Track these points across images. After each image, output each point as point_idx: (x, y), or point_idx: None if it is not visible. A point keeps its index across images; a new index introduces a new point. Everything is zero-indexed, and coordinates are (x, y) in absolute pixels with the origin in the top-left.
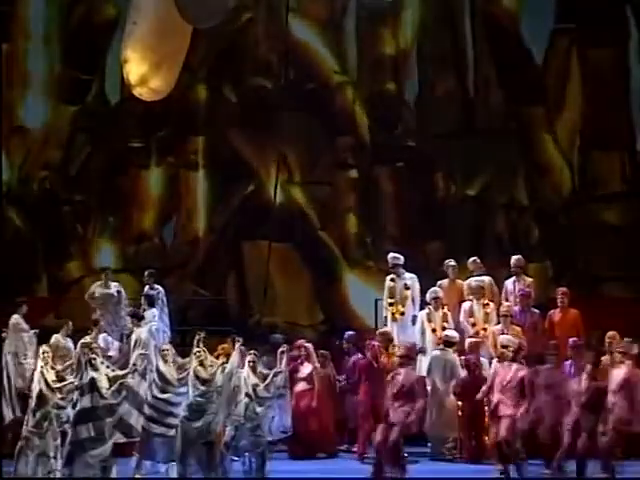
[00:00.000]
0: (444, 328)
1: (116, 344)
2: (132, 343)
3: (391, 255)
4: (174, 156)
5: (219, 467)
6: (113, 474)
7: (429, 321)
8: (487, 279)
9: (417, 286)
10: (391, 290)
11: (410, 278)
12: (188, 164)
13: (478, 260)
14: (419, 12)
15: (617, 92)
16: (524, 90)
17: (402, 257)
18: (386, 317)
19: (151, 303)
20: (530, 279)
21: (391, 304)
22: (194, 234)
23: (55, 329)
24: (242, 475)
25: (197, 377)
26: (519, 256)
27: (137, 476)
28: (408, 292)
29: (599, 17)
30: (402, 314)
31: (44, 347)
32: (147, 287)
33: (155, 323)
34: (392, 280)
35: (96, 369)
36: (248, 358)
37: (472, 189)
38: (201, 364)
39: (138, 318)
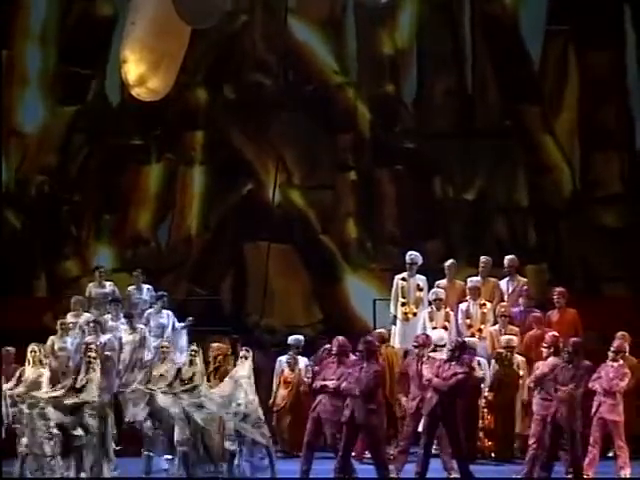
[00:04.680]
0: (445, 327)
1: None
2: (131, 343)
3: (411, 253)
4: (172, 153)
5: (219, 465)
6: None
7: (431, 320)
8: (493, 280)
9: (426, 288)
10: (403, 290)
11: (421, 279)
12: (187, 162)
13: (484, 259)
14: (418, 11)
15: (616, 92)
16: (523, 90)
17: (420, 257)
18: (395, 316)
19: (164, 305)
20: (524, 279)
21: (403, 304)
22: (190, 232)
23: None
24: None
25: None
26: (512, 256)
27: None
28: (421, 293)
29: (597, 17)
30: (414, 315)
31: (32, 346)
32: (132, 287)
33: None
34: (403, 279)
35: (93, 369)
36: (241, 353)
37: (471, 190)
38: (191, 363)
39: (132, 319)
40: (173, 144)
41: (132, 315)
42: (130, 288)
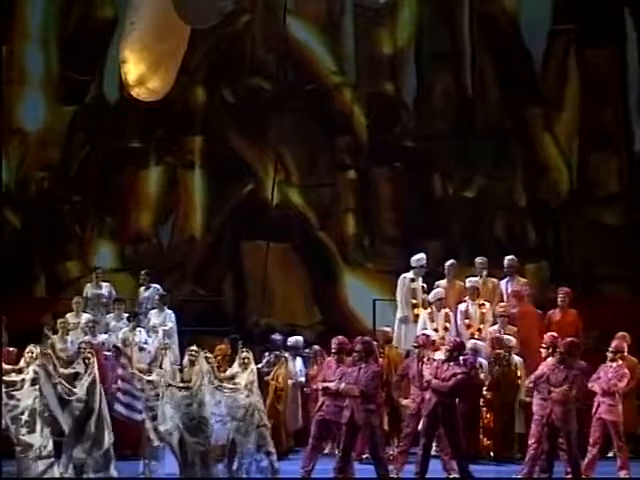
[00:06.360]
0: (446, 328)
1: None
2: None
3: (419, 256)
4: (172, 156)
5: (213, 465)
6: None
7: (431, 321)
8: (492, 280)
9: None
10: (414, 291)
11: (423, 281)
12: (185, 163)
13: (480, 260)
14: (417, 11)
15: (615, 92)
16: (522, 90)
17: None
18: (406, 316)
19: (165, 304)
20: (524, 279)
21: (414, 305)
22: (192, 234)
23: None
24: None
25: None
26: (512, 256)
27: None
28: (425, 295)
29: (597, 17)
30: None
31: (30, 347)
32: (143, 287)
33: (172, 324)
34: (412, 280)
35: (91, 368)
36: (242, 355)
37: (470, 189)
38: (192, 364)
39: (137, 318)
40: (172, 147)
41: (137, 314)
42: (141, 289)
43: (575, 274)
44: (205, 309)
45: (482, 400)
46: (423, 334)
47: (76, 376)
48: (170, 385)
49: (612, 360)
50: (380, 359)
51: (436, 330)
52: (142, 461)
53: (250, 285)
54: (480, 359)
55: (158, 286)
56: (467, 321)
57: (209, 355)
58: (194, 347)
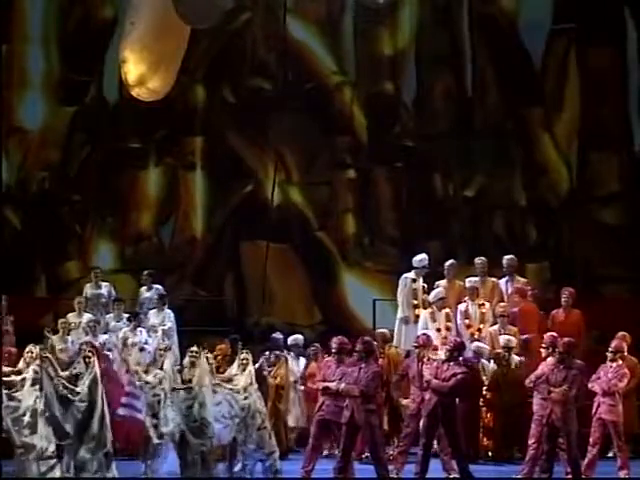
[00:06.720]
0: (448, 328)
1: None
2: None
3: (421, 256)
4: (172, 156)
5: (213, 466)
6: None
7: (433, 321)
8: (492, 280)
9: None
10: (415, 291)
11: (423, 281)
12: (186, 164)
13: (479, 260)
14: (417, 12)
15: (615, 92)
16: (522, 90)
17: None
18: (407, 317)
19: (165, 304)
20: (523, 279)
21: (416, 306)
22: (192, 234)
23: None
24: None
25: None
26: (512, 256)
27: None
28: (425, 295)
29: (597, 17)
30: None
31: (30, 347)
32: (144, 288)
33: (171, 324)
34: (414, 281)
35: (91, 368)
36: (242, 356)
37: (470, 189)
38: (192, 365)
39: (137, 319)
40: (173, 148)
41: (138, 314)
42: (142, 289)
43: (575, 274)
44: (205, 309)
45: (482, 400)
46: (423, 334)
47: (77, 377)
48: (174, 389)
49: (612, 360)
50: (380, 359)
51: (438, 330)
52: (143, 461)
53: (250, 285)
54: (483, 360)
55: (160, 287)
56: (467, 321)
57: (209, 356)
58: (195, 348)
